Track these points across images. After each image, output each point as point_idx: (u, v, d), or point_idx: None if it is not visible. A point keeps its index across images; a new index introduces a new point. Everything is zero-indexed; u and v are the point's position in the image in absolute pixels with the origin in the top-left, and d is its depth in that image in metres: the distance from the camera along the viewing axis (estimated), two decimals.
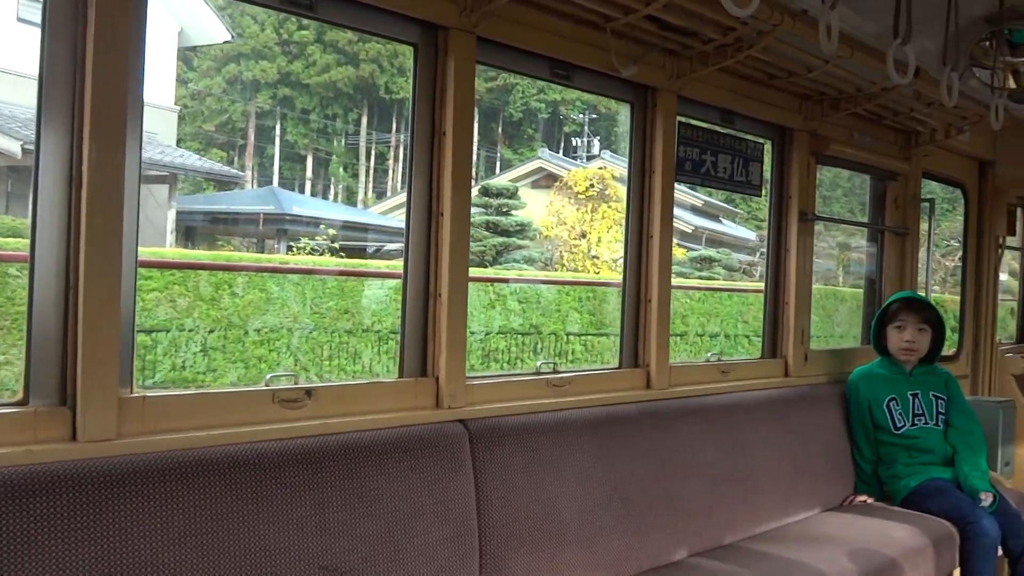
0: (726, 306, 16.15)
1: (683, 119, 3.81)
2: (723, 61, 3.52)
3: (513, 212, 20.50)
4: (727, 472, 3.67)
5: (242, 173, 29.08)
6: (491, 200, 20.04)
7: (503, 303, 13.45)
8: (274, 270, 12.34)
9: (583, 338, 14.45)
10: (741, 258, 22.84)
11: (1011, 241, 6.48)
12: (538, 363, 3.25)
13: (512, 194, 20.94)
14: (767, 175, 4.41)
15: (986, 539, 3.88)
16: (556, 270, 19.33)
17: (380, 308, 12.26)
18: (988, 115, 4.14)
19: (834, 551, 3.50)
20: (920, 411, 4.36)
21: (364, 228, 21.24)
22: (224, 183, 21.80)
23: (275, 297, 11.51)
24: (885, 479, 4.37)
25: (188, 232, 18.73)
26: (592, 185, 20.55)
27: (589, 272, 18.88)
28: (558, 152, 31.40)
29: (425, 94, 2.85)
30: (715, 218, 25.76)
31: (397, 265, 13.02)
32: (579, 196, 20.57)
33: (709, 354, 4.12)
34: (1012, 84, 4.98)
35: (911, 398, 4.38)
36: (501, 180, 23.78)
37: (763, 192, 4.45)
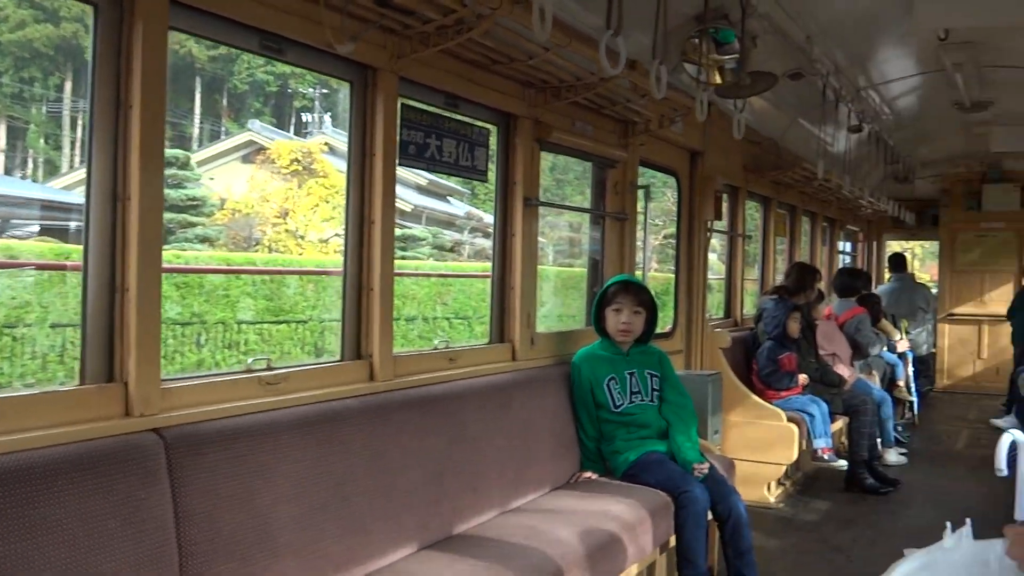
0: (423, 287, 15.28)
1: (406, 101, 3.69)
2: (444, 43, 3.42)
3: (186, 184, 18.30)
4: (455, 461, 3.62)
5: None
6: None
7: None
8: None
9: (259, 327, 12.96)
10: (452, 235, 22.54)
11: (718, 225, 6.97)
12: (249, 360, 3.02)
13: (183, 164, 18.76)
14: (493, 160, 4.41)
15: (697, 506, 4.10)
16: (255, 250, 17.77)
17: None
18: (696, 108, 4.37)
19: (561, 531, 3.55)
20: (637, 389, 4.55)
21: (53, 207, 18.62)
22: None
23: None
24: (607, 455, 4.52)
25: None
26: (297, 160, 19.39)
27: (293, 253, 17.62)
28: (289, 128, 30.20)
29: (108, 61, 2.53)
30: (442, 197, 25.47)
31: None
32: (282, 171, 19.31)
33: (437, 341, 4.05)
34: (718, 80, 5.31)
35: (628, 377, 4.55)
36: (207, 152, 22.20)
37: (488, 177, 4.44)
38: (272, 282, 13.33)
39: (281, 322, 13.12)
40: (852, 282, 8.72)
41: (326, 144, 20.96)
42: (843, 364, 7.54)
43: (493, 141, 4.36)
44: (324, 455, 2.99)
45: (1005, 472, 2.68)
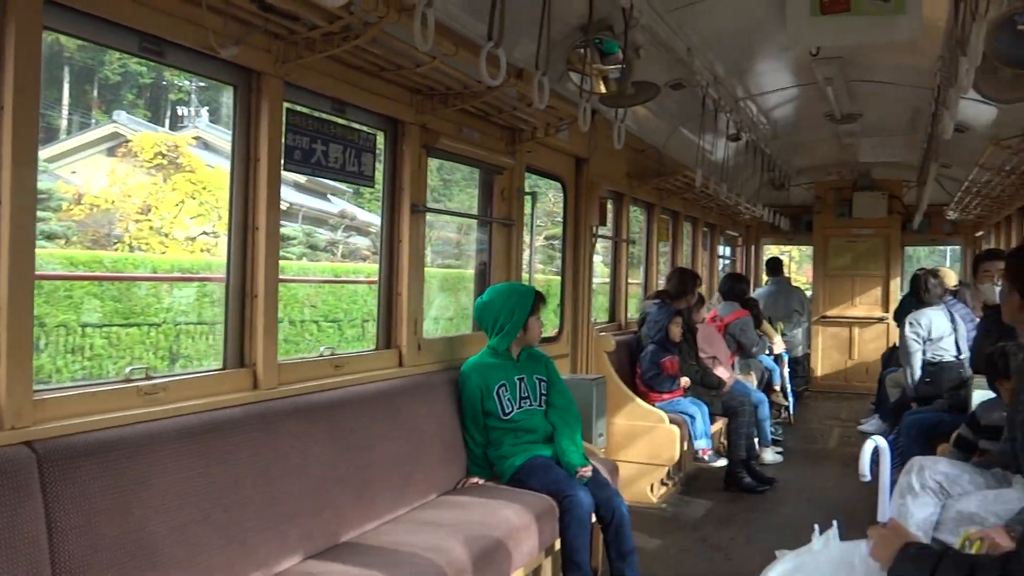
0: (291, 290, 14.35)
1: (292, 106, 3.66)
2: (331, 49, 3.41)
3: None
4: (341, 469, 3.61)
5: None
6: None
7: None
8: None
9: (106, 330, 11.67)
10: (326, 234, 21.64)
11: (603, 231, 7.12)
12: (127, 368, 2.94)
13: None
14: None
15: (581, 510, 4.19)
16: (115, 249, 16.49)
17: None
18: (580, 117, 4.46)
19: (447, 537, 3.58)
20: (526, 394, 4.62)
21: None
22: None
23: None
24: (493, 459, 4.56)
25: None
26: (161, 153, 18.20)
27: (156, 251, 16.45)
28: (163, 122, 28.90)
29: None
30: (322, 196, 24.55)
31: None
32: (145, 165, 18.07)
33: (323, 348, 4.02)
34: (603, 89, 5.43)
35: (519, 382, 4.62)
36: (69, 144, 20.97)
37: (376, 182, 4.43)
38: (122, 282, 12.29)
39: (131, 325, 12.01)
40: (737, 286, 9.05)
41: (196, 138, 20.09)
42: (723, 367, 7.80)
43: (381, 145, 4.36)
44: (206, 466, 2.94)
45: (868, 477, 2.86)
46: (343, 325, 14.74)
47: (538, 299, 4.73)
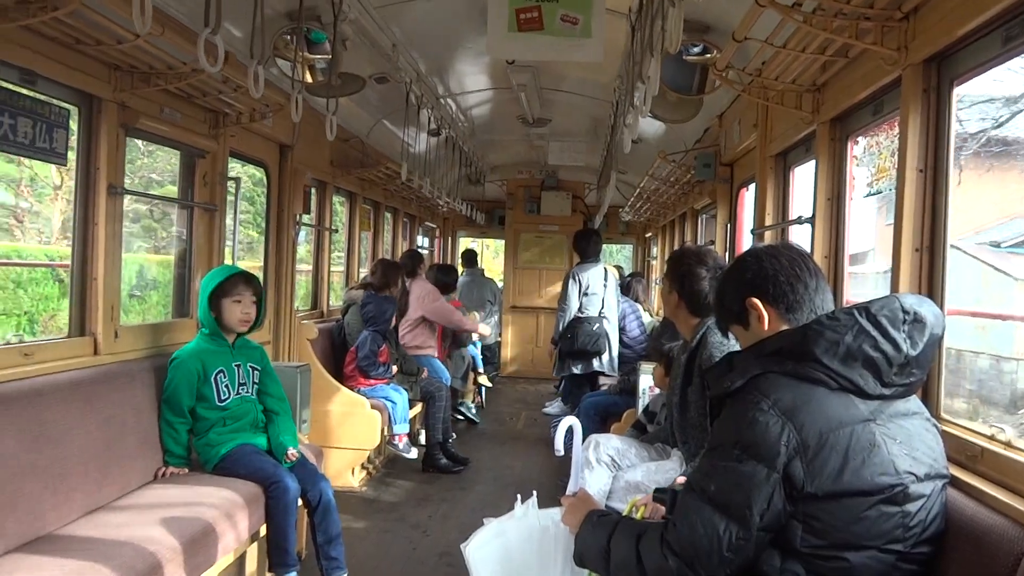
0: None
1: None
2: (24, 19, 3.22)
3: None
4: (34, 463, 3.41)
5: None
6: None
7: None
8: None
9: None
10: None
11: (306, 219, 7.13)
12: None
13: None
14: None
15: (288, 495, 4.25)
16: None
17: None
18: (288, 105, 4.49)
19: (152, 526, 3.51)
20: (243, 380, 4.58)
21: None
22: None
23: None
24: (199, 448, 4.47)
25: None
26: None
27: None
28: None
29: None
30: None
31: None
32: None
33: (10, 335, 3.76)
34: (310, 79, 5.49)
35: (236, 369, 4.56)
36: None
37: (68, 160, 4.19)
38: None
39: None
40: (445, 277, 9.46)
41: None
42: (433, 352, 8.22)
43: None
44: None
45: (562, 452, 3.22)
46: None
47: (237, 280, 4.57)
